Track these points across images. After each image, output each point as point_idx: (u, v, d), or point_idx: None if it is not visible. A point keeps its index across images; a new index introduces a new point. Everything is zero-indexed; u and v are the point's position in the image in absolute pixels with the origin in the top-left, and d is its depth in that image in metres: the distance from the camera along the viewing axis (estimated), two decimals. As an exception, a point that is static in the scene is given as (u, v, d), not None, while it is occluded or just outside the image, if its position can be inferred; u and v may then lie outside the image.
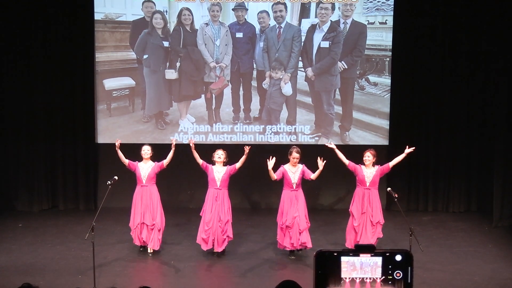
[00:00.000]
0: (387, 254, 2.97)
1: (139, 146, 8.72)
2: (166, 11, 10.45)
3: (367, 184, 8.34)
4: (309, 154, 8.85)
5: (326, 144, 8.68)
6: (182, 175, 10.70)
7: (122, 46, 10.56)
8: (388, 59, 10.53)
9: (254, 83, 10.65)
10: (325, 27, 10.42)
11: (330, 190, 11.04)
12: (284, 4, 10.40)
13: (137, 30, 10.49)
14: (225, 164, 8.41)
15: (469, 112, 10.78)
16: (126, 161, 8.51)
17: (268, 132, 10.66)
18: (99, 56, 10.55)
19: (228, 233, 8.46)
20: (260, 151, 9.23)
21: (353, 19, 10.44)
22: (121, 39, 10.55)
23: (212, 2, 10.40)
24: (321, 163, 8.24)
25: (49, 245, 9.04)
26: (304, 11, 10.47)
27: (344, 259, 2.96)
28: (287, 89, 10.56)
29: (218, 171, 8.36)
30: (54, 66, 10.64)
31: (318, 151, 8.91)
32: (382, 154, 9.65)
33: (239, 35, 10.49)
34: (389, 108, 10.58)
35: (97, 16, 10.43)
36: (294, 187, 8.38)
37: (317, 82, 10.54)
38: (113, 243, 9.06)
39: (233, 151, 8.76)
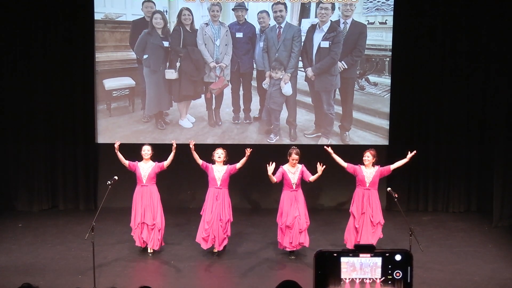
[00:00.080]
0: (387, 254, 2.97)
1: (139, 146, 8.71)
2: (166, 11, 10.45)
3: (367, 184, 8.32)
4: (309, 154, 8.85)
5: (324, 147, 8.55)
6: (182, 175, 10.69)
7: (122, 46, 10.56)
8: (388, 59, 10.53)
9: (254, 83, 10.65)
10: (325, 27, 10.41)
11: (330, 190, 11.01)
12: (284, 4, 10.39)
13: (137, 30, 10.49)
14: (225, 163, 8.42)
15: (469, 112, 10.78)
16: (126, 163, 8.50)
17: (268, 132, 10.67)
18: (99, 56, 10.55)
19: (228, 233, 8.50)
20: (260, 151, 9.22)
21: (353, 19, 10.44)
22: (121, 39, 10.55)
23: (212, 2, 10.40)
24: (320, 169, 8.22)
25: (49, 245, 9.04)
26: (304, 11, 10.47)
27: (343, 259, 2.95)
28: (287, 89, 10.56)
29: (218, 171, 8.36)
30: (54, 66, 10.63)
31: (318, 151, 8.91)
32: (382, 154, 9.66)
33: (239, 35, 10.48)
34: (389, 108, 10.59)
35: (97, 16, 10.43)
36: (294, 188, 8.37)
37: (317, 82, 10.53)
38: (113, 243, 9.06)
39: (233, 151, 8.76)
